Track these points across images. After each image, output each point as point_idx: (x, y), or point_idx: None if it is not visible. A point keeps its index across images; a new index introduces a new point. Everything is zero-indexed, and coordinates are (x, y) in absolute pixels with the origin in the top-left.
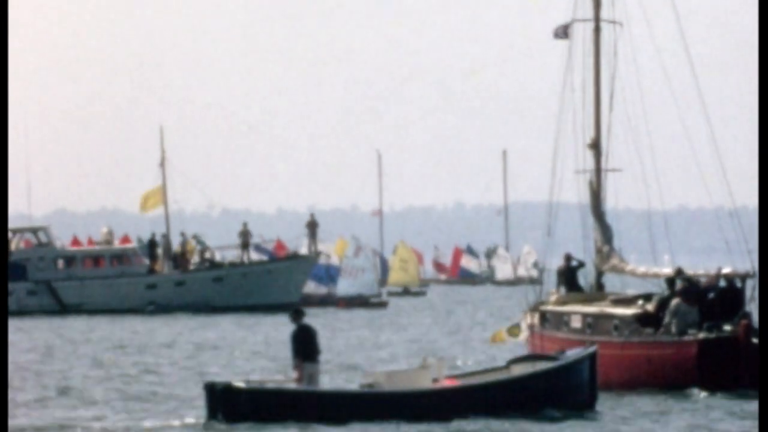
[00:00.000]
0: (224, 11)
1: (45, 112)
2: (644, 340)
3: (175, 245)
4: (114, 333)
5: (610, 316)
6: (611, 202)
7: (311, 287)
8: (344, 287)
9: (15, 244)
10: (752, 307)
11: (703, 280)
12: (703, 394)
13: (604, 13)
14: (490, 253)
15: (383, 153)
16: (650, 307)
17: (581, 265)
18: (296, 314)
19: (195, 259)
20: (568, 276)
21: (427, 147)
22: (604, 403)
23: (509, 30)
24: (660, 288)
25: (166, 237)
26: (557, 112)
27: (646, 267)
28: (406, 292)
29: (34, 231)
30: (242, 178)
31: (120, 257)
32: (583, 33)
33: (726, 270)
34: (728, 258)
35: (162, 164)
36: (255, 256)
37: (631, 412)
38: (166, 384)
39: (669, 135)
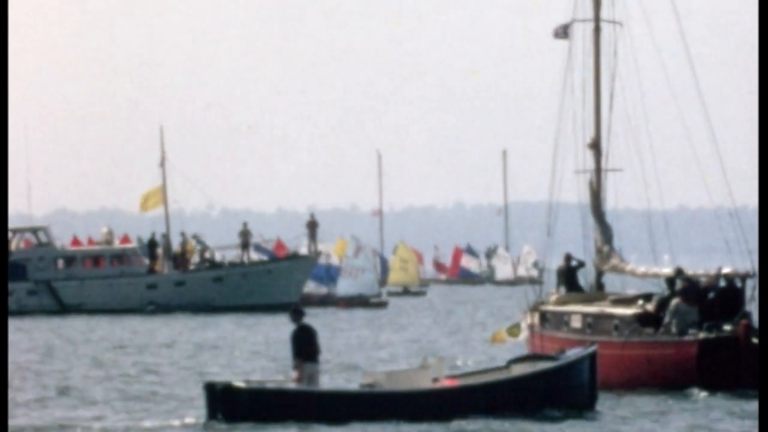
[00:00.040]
0: (224, 11)
1: (45, 112)
2: (644, 340)
3: (175, 245)
4: (114, 333)
5: (610, 316)
6: (611, 202)
7: (311, 287)
8: (344, 287)
9: (15, 244)
10: (752, 307)
11: (703, 280)
12: (703, 394)
13: (604, 13)
14: (490, 253)
15: (383, 153)
16: (650, 307)
17: (581, 265)
18: (296, 314)
19: (195, 259)
20: (568, 276)
21: (427, 147)
22: (604, 403)
23: (509, 30)
24: (660, 288)
25: (166, 237)
26: (557, 112)
27: (646, 267)
28: (406, 292)
29: (34, 231)
30: (242, 178)
31: (120, 257)
32: (583, 33)
33: (726, 270)
34: (728, 258)
35: (162, 164)
36: (255, 256)
37: (631, 412)
38: (166, 384)
39: (669, 135)
